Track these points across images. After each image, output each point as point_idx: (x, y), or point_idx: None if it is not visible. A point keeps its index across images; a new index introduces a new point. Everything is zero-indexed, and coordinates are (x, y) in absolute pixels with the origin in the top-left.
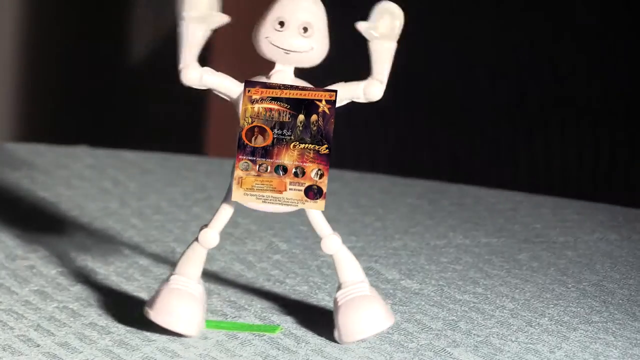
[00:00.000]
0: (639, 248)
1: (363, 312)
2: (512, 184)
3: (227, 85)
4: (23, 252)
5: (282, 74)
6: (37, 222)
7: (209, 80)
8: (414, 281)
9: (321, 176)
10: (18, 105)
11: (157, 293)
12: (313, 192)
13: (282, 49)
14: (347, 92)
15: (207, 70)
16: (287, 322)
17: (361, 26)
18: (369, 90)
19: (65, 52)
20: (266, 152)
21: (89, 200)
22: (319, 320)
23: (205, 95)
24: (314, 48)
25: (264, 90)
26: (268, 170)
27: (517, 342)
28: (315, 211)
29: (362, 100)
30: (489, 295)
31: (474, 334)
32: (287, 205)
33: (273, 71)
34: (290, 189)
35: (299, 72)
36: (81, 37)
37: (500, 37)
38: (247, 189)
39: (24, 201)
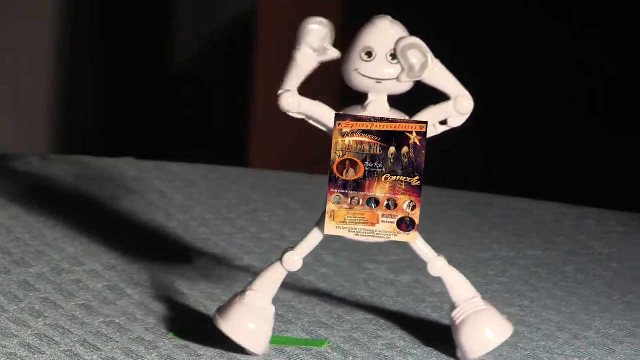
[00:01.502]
0: None
1: (483, 326)
2: (557, 195)
3: (324, 114)
4: (69, 265)
5: (377, 104)
6: (82, 235)
7: (308, 108)
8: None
9: (413, 208)
10: (64, 117)
11: (230, 305)
12: (405, 224)
13: (373, 78)
14: (438, 114)
15: (306, 99)
16: (335, 336)
17: (403, 78)
18: (459, 104)
19: (109, 63)
20: (358, 185)
21: (134, 213)
22: (367, 333)
23: (248, 107)
24: None
25: (355, 123)
26: (360, 203)
27: (564, 355)
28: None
29: (455, 117)
30: (535, 308)
31: (521, 348)
32: (380, 237)
33: (367, 101)
34: (382, 222)
35: (391, 101)
36: (127, 47)
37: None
38: (339, 222)
39: (69, 214)
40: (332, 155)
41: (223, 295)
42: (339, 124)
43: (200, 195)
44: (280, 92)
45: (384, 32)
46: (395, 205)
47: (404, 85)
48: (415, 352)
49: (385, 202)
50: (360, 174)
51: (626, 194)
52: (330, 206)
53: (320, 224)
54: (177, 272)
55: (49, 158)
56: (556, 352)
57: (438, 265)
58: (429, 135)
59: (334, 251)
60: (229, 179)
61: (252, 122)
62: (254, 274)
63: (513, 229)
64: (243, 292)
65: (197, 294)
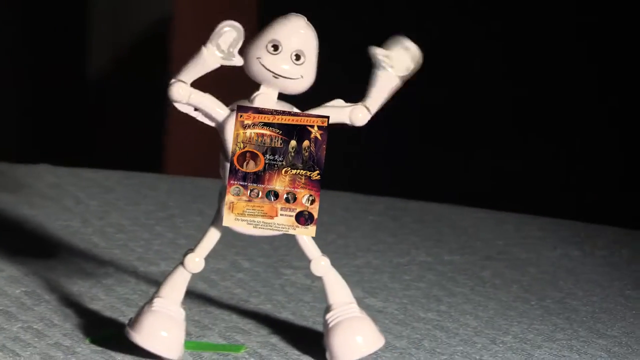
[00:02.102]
0: (601, 264)
1: (355, 333)
2: (474, 200)
3: (213, 107)
4: None
5: (265, 97)
6: (0, 241)
7: (197, 99)
8: (378, 299)
9: (312, 202)
10: None
11: (139, 315)
12: (304, 218)
13: (273, 72)
14: (333, 116)
15: (196, 90)
16: (252, 341)
17: (376, 51)
18: (355, 114)
19: (23, 68)
20: (258, 178)
21: (51, 219)
22: (284, 338)
23: (165, 112)
24: (303, 77)
25: (256, 115)
26: (259, 196)
27: None
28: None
29: (346, 122)
30: (452, 313)
31: (438, 352)
32: (278, 230)
33: (256, 93)
34: (281, 215)
35: (282, 95)
36: (40, 52)
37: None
38: (238, 214)
39: None
40: (233, 146)
41: (140, 300)
42: (241, 116)
43: (117, 202)
44: (172, 81)
45: (296, 31)
46: (295, 199)
47: (299, 86)
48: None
49: (285, 196)
50: (261, 167)
51: (545, 198)
52: (229, 198)
53: (216, 222)
54: (94, 277)
55: None
56: (474, 356)
57: (320, 265)
58: None
59: (250, 257)
60: (146, 185)
61: (168, 128)
62: None
63: (430, 234)
64: (151, 300)
65: (113, 300)
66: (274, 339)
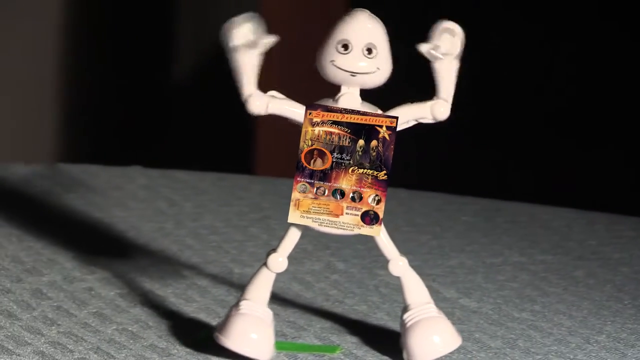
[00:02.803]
0: None
1: (432, 333)
2: (566, 200)
3: (293, 111)
4: (80, 274)
5: (350, 97)
6: (94, 243)
7: (276, 108)
8: (472, 299)
9: (378, 202)
10: (70, 126)
11: (227, 318)
12: (370, 218)
13: (348, 71)
14: (413, 113)
15: (272, 96)
16: (347, 342)
17: (423, 47)
18: (436, 109)
19: (116, 72)
20: (324, 176)
21: (144, 221)
22: (379, 339)
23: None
24: (380, 69)
25: (325, 113)
26: (325, 194)
27: (576, 359)
28: (382, 233)
29: (429, 120)
30: (546, 313)
31: (533, 352)
32: (343, 229)
33: (340, 94)
34: (346, 214)
35: (364, 93)
36: (130, 57)
37: (547, 51)
38: (303, 211)
39: (79, 223)
40: (301, 144)
41: (235, 302)
42: (310, 113)
43: (210, 203)
44: (243, 98)
45: (362, 26)
46: (361, 198)
47: (378, 79)
48: None
49: (351, 195)
50: (328, 165)
51: (637, 198)
52: (296, 194)
53: (296, 228)
54: (189, 279)
55: (57, 167)
56: (568, 356)
57: (399, 265)
58: (399, 128)
59: (344, 258)
60: (238, 186)
61: (258, 130)
62: None
63: (523, 234)
64: (237, 303)
65: (209, 301)
66: (370, 340)
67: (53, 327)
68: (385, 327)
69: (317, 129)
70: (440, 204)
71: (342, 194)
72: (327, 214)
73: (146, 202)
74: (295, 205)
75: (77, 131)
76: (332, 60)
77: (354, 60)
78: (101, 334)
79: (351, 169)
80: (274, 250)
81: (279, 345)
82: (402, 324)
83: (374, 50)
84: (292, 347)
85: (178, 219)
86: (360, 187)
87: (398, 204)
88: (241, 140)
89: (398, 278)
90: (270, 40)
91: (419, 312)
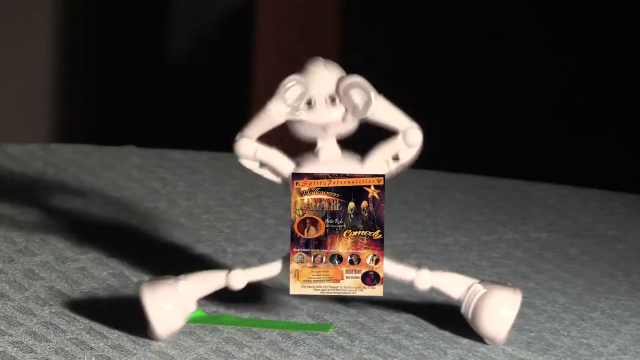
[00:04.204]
0: None
1: (494, 307)
2: (560, 178)
3: (279, 164)
4: (73, 254)
5: (328, 149)
6: (87, 224)
7: (263, 155)
8: (467, 277)
9: (377, 262)
10: (63, 106)
11: (160, 281)
12: (370, 278)
13: (319, 124)
14: (389, 152)
15: (261, 146)
16: (340, 321)
17: (348, 118)
18: (408, 137)
19: (112, 53)
20: (320, 243)
21: (137, 200)
22: (372, 317)
23: (249, 94)
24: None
25: (312, 181)
26: (323, 261)
27: (570, 336)
28: (386, 261)
29: (404, 149)
30: (540, 290)
31: (527, 329)
32: (345, 293)
33: (318, 147)
34: (347, 277)
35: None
36: (124, 37)
37: (539, 38)
38: (304, 281)
39: (72, 203)
40: (292, 214)
41: None
42: (297, 183)
43: (204, 182)
44: (238, 136)
45: (319, 76)
46: (359, 260)
47: (349, 125)
48: (421, 335)
49: (349, 258)
50: (322, 232)
51: (630, 175)
52: (294, 266)
53: (285, 260)
54: (182, 260)
55: (50, 147)
56: (562, 333)
57: (424, 278)
58: (383, 172)
59: None
60: (232, 165)
61: (253, 109)
62: (258, 259)
63: (517, 212)
64: (178, 278)
65: None
66: (363, 318)
67: (45, 307)
68: (378, 305)
69: (306, 198)
70: (433, 181)
71: (340, 258)
72: (328, 280)
73: (140, 182)
74: (294, 276)
75: (70, 111)
76: (300, 120)
77: (320, 113)
78: (94, 315)
79: (345, 232)
80: (243, 268)
81: (273, 324)
82: (466, 317)
83: (337, 98)
84: (285, 326)
85: (171, 198)
86: (357, 249)
87: (391, 182)
88: (236, 118)
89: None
90: (304, 117)
91: (471, 298)
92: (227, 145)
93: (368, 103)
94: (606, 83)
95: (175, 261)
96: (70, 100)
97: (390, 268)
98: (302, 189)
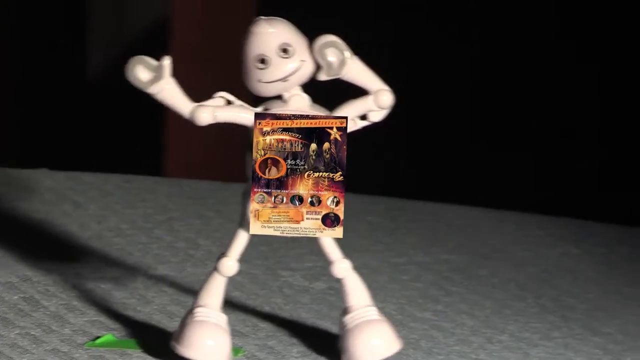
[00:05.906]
0: (600, 262)
1: (374, 336)
2: (473, 199)
3: (242, 116)
4: None
5: (298, 98)
6: None
7: (224, 116)
8: (376, 300)
9: (337, 203)
10: None
11: (182, 327)
12: (330, 220)
13: (279, 79)
14: (359, 108)
15: (218, 101)
16: (249, 344)
17: (322, 77)
18: (379, 98)
19: (22, 72)
20: (281, 183)
21: (49, 224)
22: (282, 341)
23: (163, 115)
24: (305, 60)
25: (275, 121)
26: (284, 201)
27: (478, 359)
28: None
29: (374, 110)
30: (449, 313)
31: (435, 353)
32: (305, 234)
33: (287, 96)
34: (307, 218)
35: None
36: (38, 56)
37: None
38: (264, 221)
39: None
40: (254, 154)
41: (138, 305)
42: (259, 123)
43: (115, 205)
44: (187, 116)
45: (266, 34)
46: (319, 202)
47: (309, 69)
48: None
49: (309, 199)
50: (283, 172)
51: (543, 197)
52: (254, 205)
53: (242, 224)
54: (92, 283)
55: None
56: (470, 356)
57: (342, 267)
58: (349, 130)
59: (247, 259)
60: (144, 188)
61: (168, 131)
62: (169, 283)
63: (427, 234)
64: (192, 310)
65: (112, 304)
66: (272, 342)
67: None
68: (289, 328)
69: (268, 138)
70: (346, 203)
71: (301, 199)
72: (288, 221)
73: (52, 204)
74: (254, 216)
75: None
76: (259, 80)
77: (277, 68)
78: (4, 339)
79: (307, 173)
80: (223, 254)
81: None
82: (342, 326)
83: (288, 49)
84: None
85: (82, 222)
86: (317, 190)
87: None
88: (149, 141)
89: (339, 280)
90: (166, 63)
91: (361, 314)
92: (138, 167)
93: (343, 62)
94: (521, 105)
95: (86, 285)
96: None
97: (326, 243)
98: (265, 129)
